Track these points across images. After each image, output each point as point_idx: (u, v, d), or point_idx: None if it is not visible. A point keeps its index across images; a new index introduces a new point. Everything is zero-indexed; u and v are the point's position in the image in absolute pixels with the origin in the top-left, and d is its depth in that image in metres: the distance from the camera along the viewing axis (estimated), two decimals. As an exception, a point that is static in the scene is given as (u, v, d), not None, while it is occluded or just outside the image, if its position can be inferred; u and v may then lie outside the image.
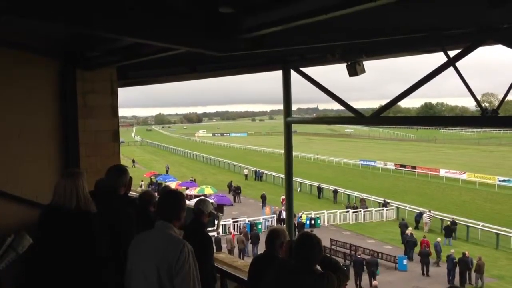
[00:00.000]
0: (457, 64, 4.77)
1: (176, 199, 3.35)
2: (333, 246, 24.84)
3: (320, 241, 3.40)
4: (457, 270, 20.75)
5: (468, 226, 27.91)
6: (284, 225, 10.78)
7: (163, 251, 3.10)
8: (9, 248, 3.46)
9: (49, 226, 3.53)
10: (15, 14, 3.10)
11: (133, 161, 61.31)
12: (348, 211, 32.81)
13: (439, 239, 24.55)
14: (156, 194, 5.74)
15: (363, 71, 5.67)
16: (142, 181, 42.40)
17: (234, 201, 38.21)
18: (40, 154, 5.44)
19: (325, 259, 3.53)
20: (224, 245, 24.04)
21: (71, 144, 5.56)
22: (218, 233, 24.21)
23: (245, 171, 53.01)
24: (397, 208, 33.82)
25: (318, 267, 3.40)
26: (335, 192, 39.01)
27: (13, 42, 4.86)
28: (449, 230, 27.13)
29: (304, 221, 29.30)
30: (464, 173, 47.73)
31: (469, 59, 4.89)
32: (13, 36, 4.74)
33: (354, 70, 5.62)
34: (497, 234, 26.28)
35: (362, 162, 60.04)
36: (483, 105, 4.85)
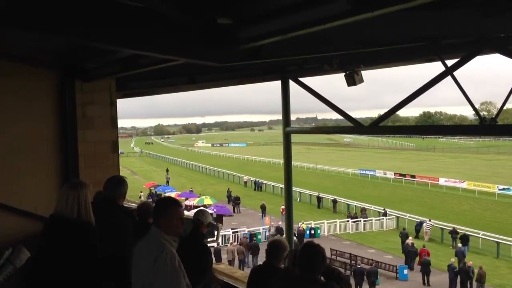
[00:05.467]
0: (455, 73, 4.79)
1: (169, 206, 3.31)
2: (333, 256, 24.72)
3: (324, 251, 3.39)
4: (458, 279, 20.66)
5: (468, 235, 27.81)
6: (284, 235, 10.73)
7: (147, 253, 3.05)
8: (6, 261, 3.43)
9: (50, 235, 3.53)
10: (16, 26, 3.12)
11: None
12: (348, 221, 32.72)
13: (459, 244, 24.98)
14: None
15: (361, 80, 5.68)
16: (141, 192, 42.22)
17: (234, 212, 38.06)
18: (39, 166, 5.42)
19: (329, 269, 3.52)
20: (224, 256, 23.89)
21: (70, 156, 5.55)
22: (218, 244, 24.07)
23: (245, 178, 53.15)
24: (397, 217, 33.72)
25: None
26: (334, 201, 38.90)
27: (12, 54, 4.88)
28: (466, 239, 26.98)
29: (304, 230, 29.18)
30: (464, 181, 47.60)
31: (466, 68, 4.92)
32: (12, 48, 4.75)
33: (352, 79, 5.64)
34: (498, 243, 26.18)
35: (361, 172, 59.91)
36: (481, 113, 4.88)
